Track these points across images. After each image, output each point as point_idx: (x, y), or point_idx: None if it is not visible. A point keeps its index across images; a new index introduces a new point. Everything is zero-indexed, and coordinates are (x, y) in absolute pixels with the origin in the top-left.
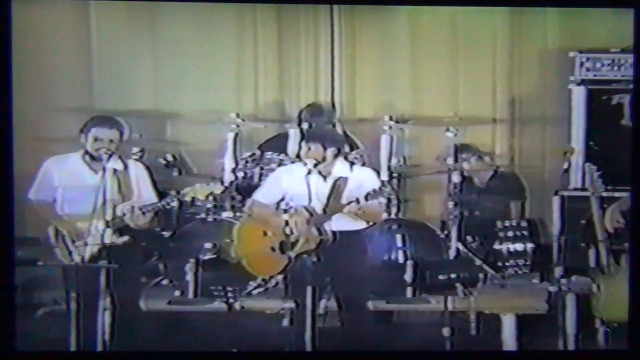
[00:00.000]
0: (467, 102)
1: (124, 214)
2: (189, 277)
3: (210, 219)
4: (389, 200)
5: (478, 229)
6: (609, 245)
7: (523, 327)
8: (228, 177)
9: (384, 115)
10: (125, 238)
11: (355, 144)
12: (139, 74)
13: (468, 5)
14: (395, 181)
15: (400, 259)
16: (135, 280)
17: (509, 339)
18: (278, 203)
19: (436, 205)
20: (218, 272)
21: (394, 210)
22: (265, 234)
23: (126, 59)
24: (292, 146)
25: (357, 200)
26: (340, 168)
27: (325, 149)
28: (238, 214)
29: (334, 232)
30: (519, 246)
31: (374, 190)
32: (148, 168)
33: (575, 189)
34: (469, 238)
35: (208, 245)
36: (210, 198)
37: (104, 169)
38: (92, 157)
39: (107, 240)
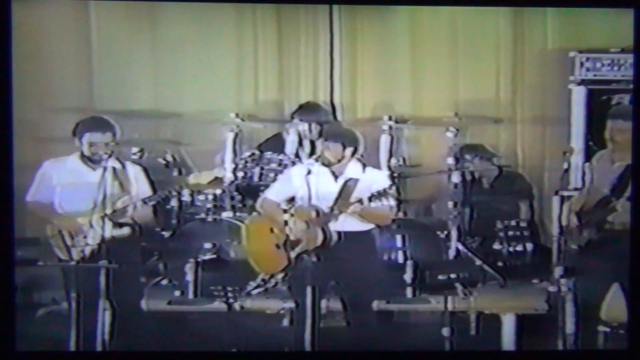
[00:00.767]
0: (467, 102)
1: (126, 206)
2: (189, 277)
3: (210, 219)
4: (399, 202)
5: (478, 229)
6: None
7: (523, 327)
8: (228, 177)
9: (384, 115)
10: (126, 230)
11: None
12: (139, 74)
13: (468, 5)
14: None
15: (400, 259)
16: (135, 280)
17: (509, 339)
18: (290, 201)
19: (436, 205)
20: (218, 272)
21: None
22: (271, 230)
23: (126, 59)
24: (290, 146)
25: (361, 201)
26: (353, 168)
27: (344, 148)
28: (238, 214)
29: (338, 233)
30: (518, 246)
31: (378, 192)
32: (145, 169)
33: (576, 189)
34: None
35: (208, 245)
36: (210, 197)
37: (104, 168)
38: (90, 160)
39: (108, 234)
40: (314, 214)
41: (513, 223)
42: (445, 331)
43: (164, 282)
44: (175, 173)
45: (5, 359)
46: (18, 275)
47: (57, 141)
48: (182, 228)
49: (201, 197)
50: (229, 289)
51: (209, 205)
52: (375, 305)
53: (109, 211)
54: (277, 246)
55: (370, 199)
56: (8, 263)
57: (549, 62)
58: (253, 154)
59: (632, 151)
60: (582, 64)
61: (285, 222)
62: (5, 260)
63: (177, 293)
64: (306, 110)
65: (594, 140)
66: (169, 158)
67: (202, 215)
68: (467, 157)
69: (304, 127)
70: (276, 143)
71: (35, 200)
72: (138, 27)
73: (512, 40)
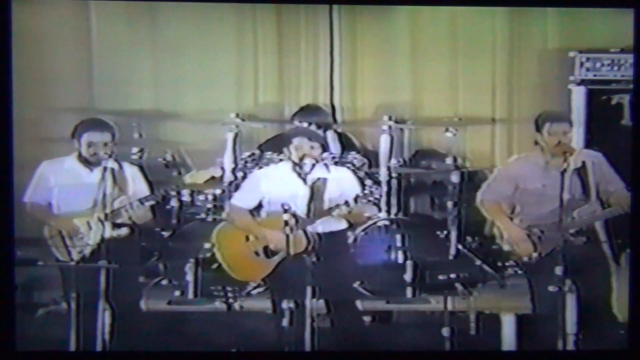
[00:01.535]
0: (467, 102)
1: (124, 206)
2: (189, 277)
3: (210, 219)
4: (377, 201)
5: (478, 229)
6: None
7: (523, 327)
8: (228, 177)
9: (384, 116)
10: (125, 230)
11: (354, 144)
12: (139, 74)
13: (468, 5)
14: (395, 181)
15: (400, 259)
16: (135, 280)
17: (508, 339)
18: (257, 208)
19: (436, 205)
20: (218, 272)
21: (394, 210)
22: (247, 238)
23: (126, 59)
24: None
25: (347, 203)
26: (318, 169)
27: (324, 149)
28: (217, 217)
29: (319, 235)
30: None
31: (364, 194)
32: (142, 170)
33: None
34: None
35: (208, 245)
36: (210, 198)
37: (104, 168)
38: (88, 162)
39: (107, 234)
40: (292, 219)
41: None
42: (445, 331)
43: (164, 282)
44: (175, 173)
45: (5, 359)
46: (18, 275)
47: (57, 141)
48: (182, 228)
49: (201, 197)
50: (229, 289)
51: (209, 205)
52: (375, 305)
53: (107, 210)
54: (257, 254)
55: (356, 200)
56: (8, 263)
57: (548, 62)
58: (253, 154)
59: (632, 151)
60: (582, 64)
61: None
62: (5, 260)
63: (177, 293)
64: (306, 112)
65: (594, 140)
66: (169, 158)
67: (202, 215)
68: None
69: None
70: (276, 143)
71: (33, 201)
72: (138, 27)
73: (511, 40)
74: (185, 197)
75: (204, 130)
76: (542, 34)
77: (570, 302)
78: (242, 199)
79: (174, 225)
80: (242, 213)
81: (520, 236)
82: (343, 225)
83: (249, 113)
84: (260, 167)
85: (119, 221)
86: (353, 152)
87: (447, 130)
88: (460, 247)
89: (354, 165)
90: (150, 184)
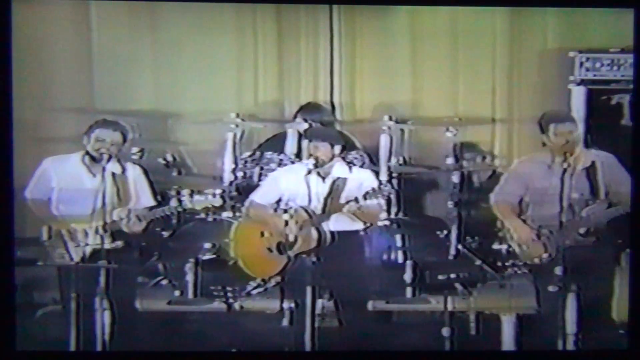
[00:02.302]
0: (466, 102)
1: (121, 219)
2: (189, 277)
3: (210, 219)
4: (388, 200)
5: (478, 229)
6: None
7: (523, 327)
8: (228, 177)
9: (384, 115)
10: (118, 243)
11: (354, 144)
12: (139, 74)
13: (468, 5)
14: (395, 181)
15: (400, 259)
16: (135, 280)
17: (508, 339)
18: (276, 204)
19: (436, 205)
20: (218, 272)
21: (394, 210)
22: (262, 234)
23: (126, 59)
24: (290, 146)
25: (356, 200)
26: (339, 169)
27: (332, 147)
28: (238, 214)
29: (332, 233)
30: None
31: (373, 189)
32: (146, 172)
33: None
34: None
35: (208, 245)
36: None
37: (103, 171)
38: (92, 158)
39: (99, 245)
40: (306, 215)
41: None
42: (445, 331)
43: (164, 282)
44: (175, 173)
45: (5, 359)
46: (18, 275)
47: (57, 141)
48: (181, 228)
49: (201, 197)
50: (229, 289)
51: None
52: (375, 305)
53: (105, 220)
54: (270, 250)
55: (365, 197)
56: (8, 263)
57: (548, 62)
58: (253, 154)
59: (632, 151)
60: (581, 64)
61: (286, 223)
62: (5, 260)
63: (177, 293)
64: (308, 110)
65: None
66: (169, 158)
67: (202, 215)
68: (466, 156)
69: (304, 127)
70: (276, 143)
71: (34, 197)
72: (138, 27)
73: (511, 40)
74: (185, 197)
75: (204, 130)
76: (542, 34)
77: (571, 302)
78: (262, 196)
79: (174, 225)
80: (260, 207)
81: (530, 237)
82: (358, 225)
83: (249, 113)
84: (262, 168)
85: (114, 231)
86: (353, 152)
87: (447, 130)
88: (460, 247)
89: (353, 164)
90: (152, 186)
